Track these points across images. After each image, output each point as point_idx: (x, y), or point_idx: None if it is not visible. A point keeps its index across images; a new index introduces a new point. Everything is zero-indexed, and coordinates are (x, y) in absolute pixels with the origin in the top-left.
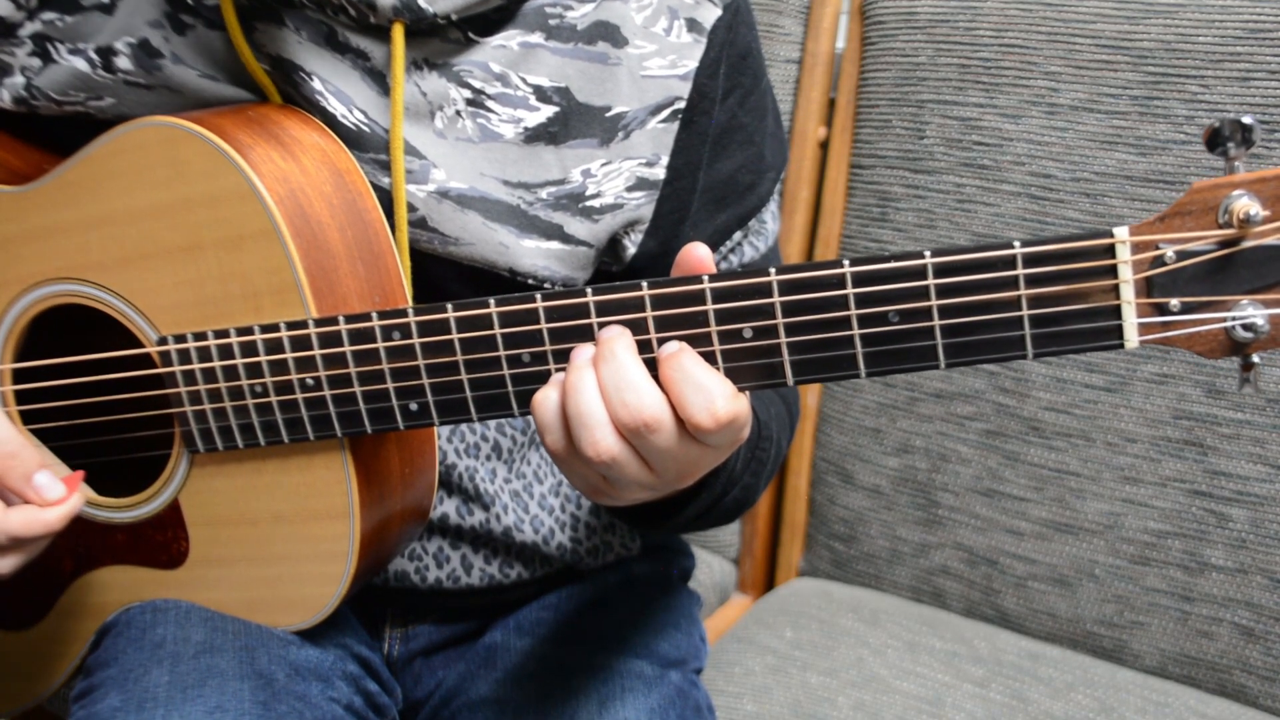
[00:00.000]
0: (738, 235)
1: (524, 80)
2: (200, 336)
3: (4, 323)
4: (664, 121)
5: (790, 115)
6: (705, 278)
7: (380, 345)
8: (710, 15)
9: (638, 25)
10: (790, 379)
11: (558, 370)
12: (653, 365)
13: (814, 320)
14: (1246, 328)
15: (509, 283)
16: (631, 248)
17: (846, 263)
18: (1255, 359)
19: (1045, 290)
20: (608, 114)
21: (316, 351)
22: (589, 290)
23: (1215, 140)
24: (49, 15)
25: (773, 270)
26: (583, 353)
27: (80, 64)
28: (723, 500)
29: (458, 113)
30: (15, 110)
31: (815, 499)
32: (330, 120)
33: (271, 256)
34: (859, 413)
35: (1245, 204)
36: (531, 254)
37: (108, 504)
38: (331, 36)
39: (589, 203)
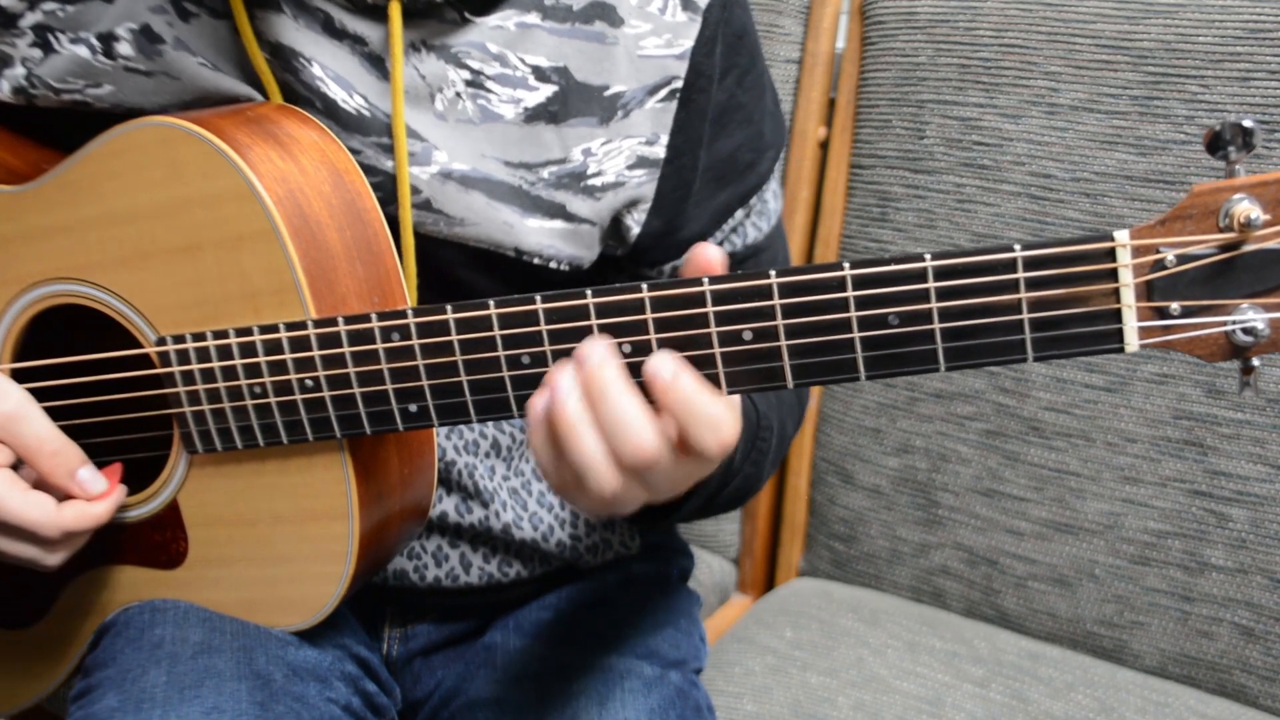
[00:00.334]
0: (740, 214)
1: (522, 60)
2: (199, 337)
3: (3, 323)
4: (662, 101)
5: (790, 115)
6: (705, 280)
7: (379, 346)
8: None
9: (633, 5)
10: (790, 381)
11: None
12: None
13: (814, 323)
14: (1247, 331)
15: (515, 264)
16: (635, 227)
17: (846, 265)
18: (1255, 362)
19: (1046, 293)
20: (606, 93)
21: (315, 352)
22: (589, 292)
23: (1216, 144)
24: (50, 5)
25: (773, 272)
26: (569, 387)
27: (82, 51)
28: (721, 493)
29: (457, 94)
30: (14, 102)
31: (815, 499)
32: (331, 106)
33: (270, 257)
34: (859, 413)
35: (1246, 208)
36: (536, 233)
37: None
38: (329, 23)
39: (590, 181)
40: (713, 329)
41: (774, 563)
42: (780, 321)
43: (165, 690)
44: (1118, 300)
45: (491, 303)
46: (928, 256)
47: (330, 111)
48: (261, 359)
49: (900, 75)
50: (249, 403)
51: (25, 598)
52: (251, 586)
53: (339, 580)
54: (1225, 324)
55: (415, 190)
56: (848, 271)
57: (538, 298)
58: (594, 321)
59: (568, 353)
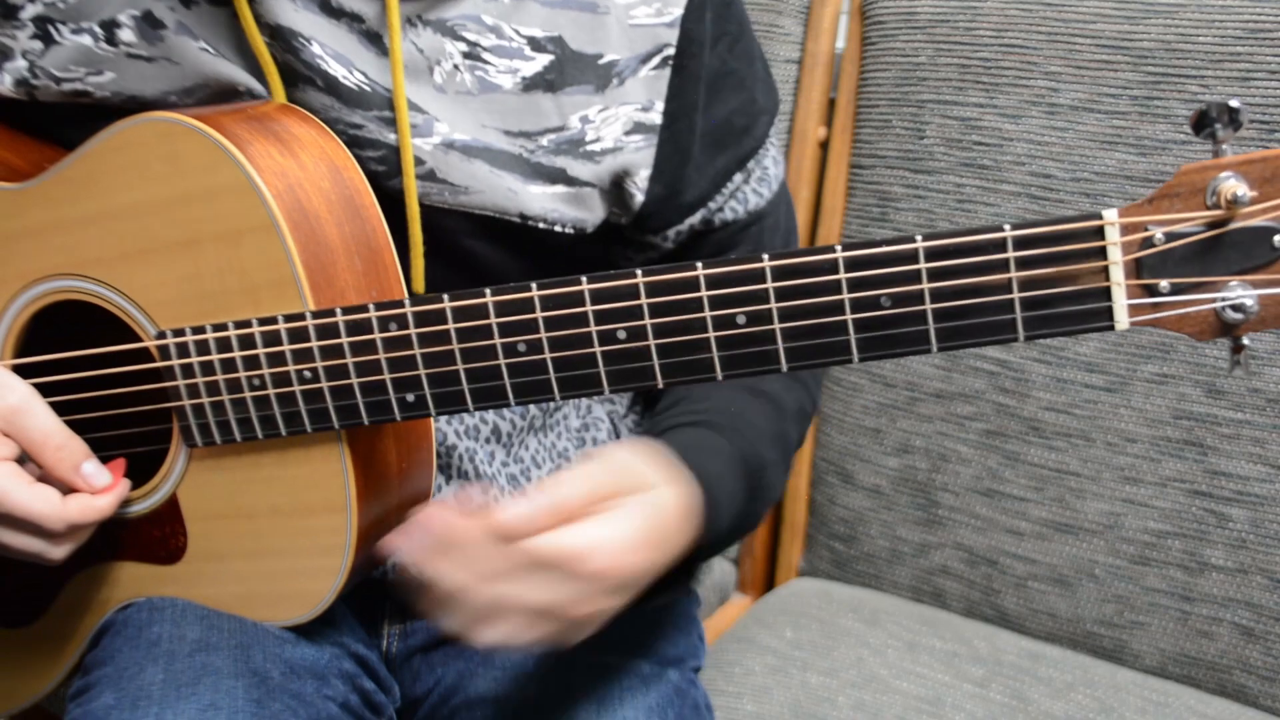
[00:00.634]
0: (738, 178)
1: (517, 32)
2: (198, 330)
3: (5, 319)
4: (655, 69)
5: (790, 115)
6: (699, 264)
7: (377, 336)
8: None
9: None
10: (784, 365)
11: (553, 357)
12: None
13: (807, 305)
14: (1236, 308)
15: (519, 231)
16: (639, 195)
17: (839, 247)
18: (1245, 340)
19: (1035, 273)
20: (600, 61)
21: (314, 343)
22: (584, 279)
23: (1202, 123)
24: None
25: (765, 256)
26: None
27: (85, 40)
28: (721, 542)
29: (455, 66)
30: (15, 96)
31: (815, 499)
32: (332, 83)
33: (269, 250)
34: (859, 413)
35: (1233, 185)
36: (539, 198)
37: None
38: (325, 3)
39: (589, 146)
40: (707, 313)
41: (774, 563)
42: (774, 305)
43: (162, 688)
44: (1107, 278)
45: (488, 291)
46: (919, 238)
47: (331, 88)
48: (260, 351)
49: (900, 75)
50: (248, 395)
51: (25, 596)
52: (250, 581)
53: (337, 573)
54: (1215, 301)
55: (419, 161)
56: (840, 254)
57: (533, 285)
58: (589, 308)
59: (563, 340)
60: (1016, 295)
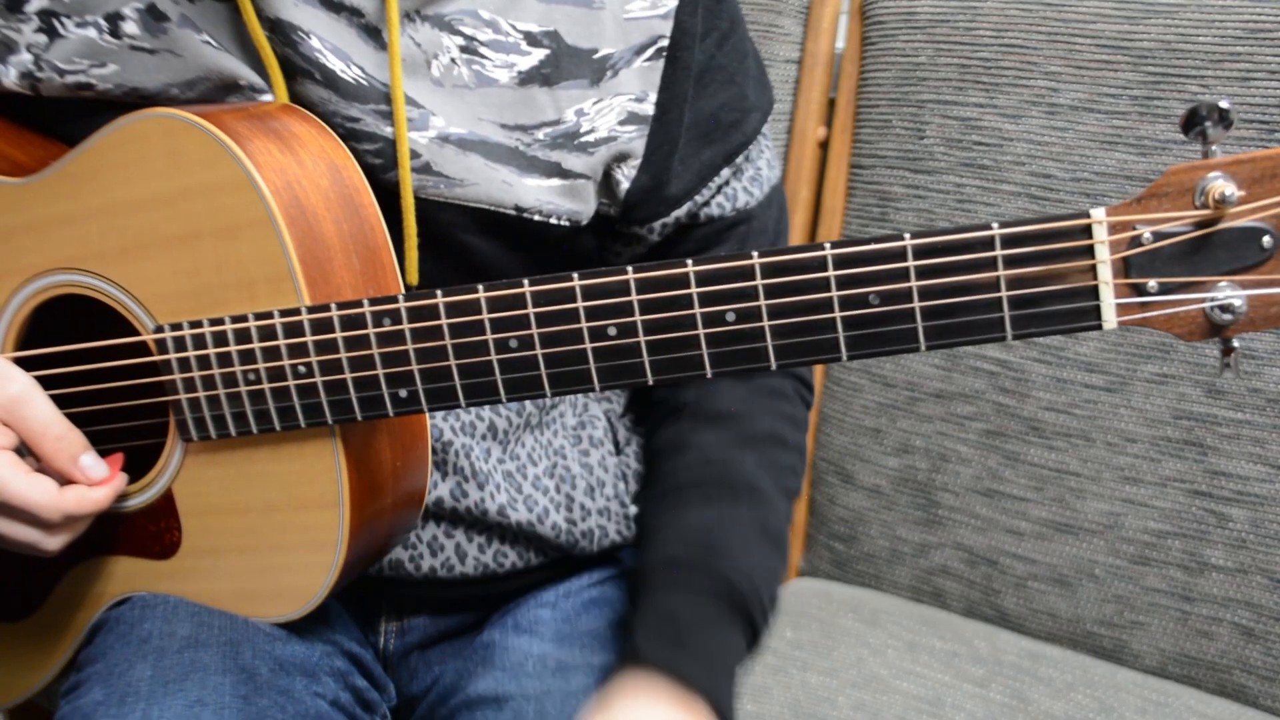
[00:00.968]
0: (726, 173)
1: (514, 26)
2: (195, 325)
3: (6, 313)
4: (649, 60)
5: (790, 115)
6: (689, 261)
7: (371, 331)
8: None
9: None
10: (773, 362)
11: (544, 353)
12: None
13: (796, 303)
14: (1224, 309)
15: (515, 224)
16: (625, 183)
17: (827, 245)
18: (1235, 343)
19: (1023, 271)
20: (595, 56)
21: (309, 338)
22: (575, 275)
23: (1192, 122)
24: None
25: (755, 253)
26: None
27: (89, 33)
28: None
29: (452, 60)
30: (20, 90)
31: (815, 499)
32: (330, 76)
33: (267, 246)
34: (859, 413)
35: (1221, 185)
36: (534, 191)
37: None
38: None
39: (584, 138)
40: (696, 310)
41: None
42: (763, 302)
43: (150, 684)
44: (1095, 277)
45: (480, 287)
46: (907, 236)
47: (330, 82)
48: (256, 345)
49: (900, 75)
50: (243, 389)
51: (21, 590)
52: (243, 576)
53: (329, 569)
54: (1203, 301)
55: (414, 154)
56: (829, 251)
57: (525, 281)
58: (580, 304)
59: (554, 336)
60: (1004, 294)
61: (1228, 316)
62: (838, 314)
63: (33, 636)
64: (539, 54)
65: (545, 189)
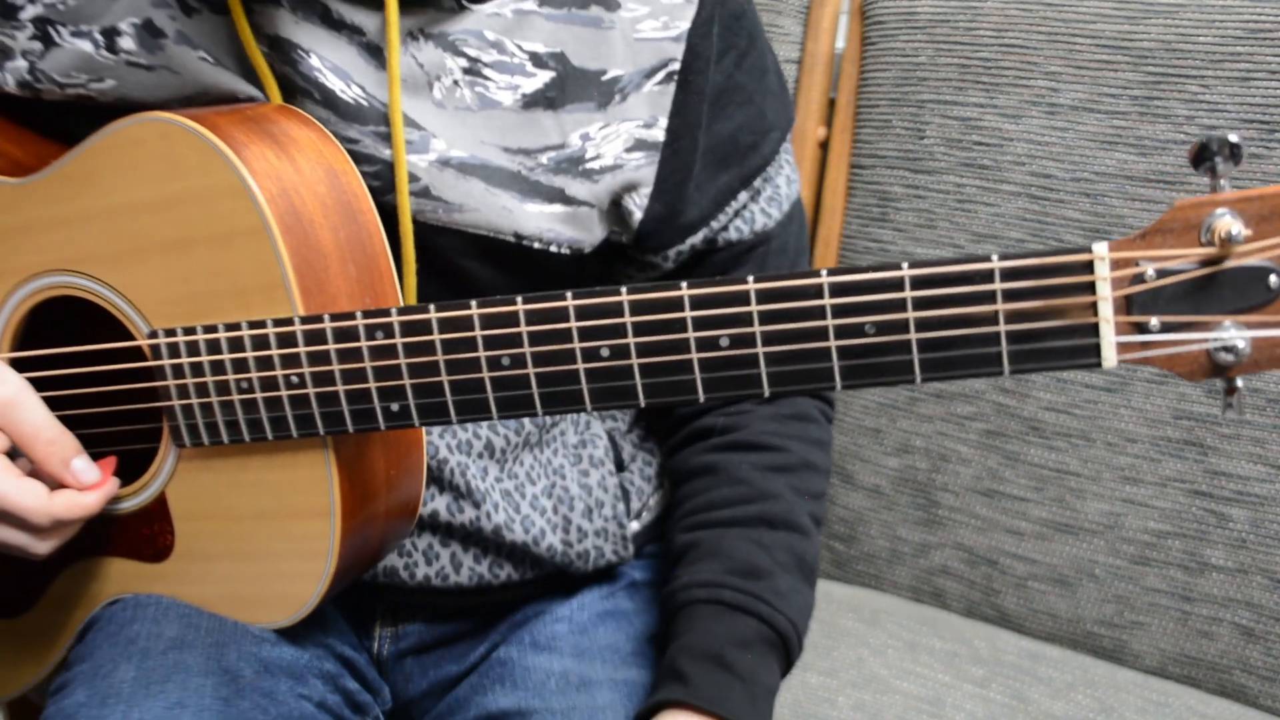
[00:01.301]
0: (744, 196)
1: (519, 47)
2: (189, 331)
3: (2, 313)
4: (659, 84)
5: None
6: (683, 284)
7: (363, 344)
8: None
9: None
10: (767, 389)
11: (537, 372)
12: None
13: (791, 330)
14: (1228, 350)
15: (514, 250)
16: (638, 212)
17: (824, 273)
18: (1239, 382)
19: (1023, 305)
20: (603, 78)
21: (301, 349)
22: (569, 294)
23: (1202, 156)
24: None
25: (750, 279)
26: None
27: (85, 46)
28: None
29: (455, 82)
30: (20, 95)
31: None
32: (329, 96)
33: (261, 254)
34: (859, 413)
35: (1228, 223)
36: (535, 217)
37: None
38: (326, 14)
39: (589, 165)
40: (690, 334)
41: None
42: (757, 328)
43: (132, 686)
44: (1095, 314)
45: (473, 303)
46: (904, 266)
47: (328, 101)
48: (249, 354)
49: (900, 75)
50: (235, 397)
51: (15, 588)
52: (236, 582)
53: (320, 579)
54: (1206, 341)
55: (413, 178)
56: (825, 279)
57: (518, 299)
58: (573, 324)
59: (546, 355)
60: (1003, 328)
61: (1231, 357)
62: (833, 343)
63: (28, 633)
64: (544, 76)
65: (546, 215)
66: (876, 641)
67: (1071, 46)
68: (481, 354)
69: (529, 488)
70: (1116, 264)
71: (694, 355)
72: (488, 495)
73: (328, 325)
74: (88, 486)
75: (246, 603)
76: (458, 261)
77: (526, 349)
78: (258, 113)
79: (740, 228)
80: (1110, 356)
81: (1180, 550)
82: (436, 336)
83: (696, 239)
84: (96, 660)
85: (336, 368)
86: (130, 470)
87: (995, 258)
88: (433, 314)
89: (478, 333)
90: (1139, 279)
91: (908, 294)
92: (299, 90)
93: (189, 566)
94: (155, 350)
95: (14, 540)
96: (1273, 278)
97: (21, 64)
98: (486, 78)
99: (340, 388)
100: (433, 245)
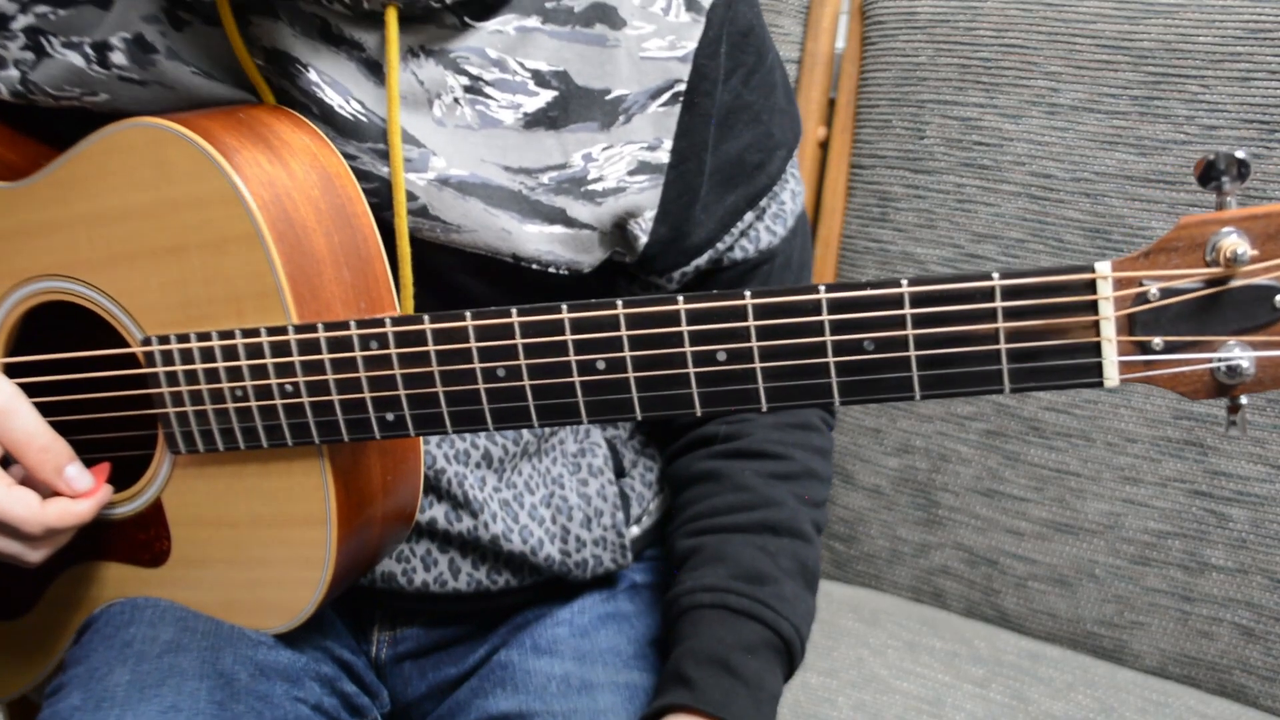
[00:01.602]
0: (750, 216)
1: (522, 65)
2: (183, 338)
3: None
4: (664, 105)
5: None
6: (680, 298)
7: (358, 354)
8: None
9: (635, 5)
10: (764, 404)
11: (532, 384)
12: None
13: (789, 346)
14: (1231, 370)
15: (513, 270)
16: (643, 236)
17: (822, 288)
18: (1243, 400)
19: (1024, 324)
20: (607, 97)
21: (295, 358)
22: (564, 306)
23: (1209, 174)
24: (42, 8)
25: (748, 293)
26: None
27: (75, 59)
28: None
29: (456, 100)
30: (14, 102)
31: None
32: (327, 111)
33: (253, 260)
34: (859, 413)
35: (1234, 242)
36: (535, 239)
37: None
38: (325, 29)
39: (591, 186)
40: (687, 348)
41: None
42: (755, 343)
43: (126, 690)
44: (1098, 333)
45: (468, 314)
46: (904, 282)
47: (326, 117)
48: (243, 362)
49: (900, 75)
50: (230, 405)
51: (13, 590)
52: (232, 588)
53: (316, 585)
54: (1210, 361)
55: (411, 196)
56: (823, 295)
57: (513, 311)
58: (569, 337)
59: (542, 368)
60: (1003, 346)
61: (1234, 378)
62: (831, 359)
63: (27, 635)
64: (547, 95)
65: (546, 237)
66: (876, 641)
67: (1071, 46)
68: (476, 365)
69: (527, 497)
70: (1120, 283)
71: (691, 369)
72: (485, 505)
73: (322, 335)
74: (81, 494)
75: (244, 609)
76: (455, 278)
77: (522, 361)
78: (250, 115)
79: (746, 247)
80: (1112, 376)
81: (1180, 550)
82: (431, 347)
83: (702, 260)
84: (92, 663)
85: (331, 377)
86: (126, 475)
87: (996, 275)
88: (427, 324)
89: (473, 344)
90: (1142, 299)
91: (907, 311)
92: (297, 104)
93: (186, 572)
94: (149, 357)
95: (6, 549)
96: (1278, 297)
97: (14, 73)
98: (488, 96)
99: (335, 397)
100: (430, 261)
